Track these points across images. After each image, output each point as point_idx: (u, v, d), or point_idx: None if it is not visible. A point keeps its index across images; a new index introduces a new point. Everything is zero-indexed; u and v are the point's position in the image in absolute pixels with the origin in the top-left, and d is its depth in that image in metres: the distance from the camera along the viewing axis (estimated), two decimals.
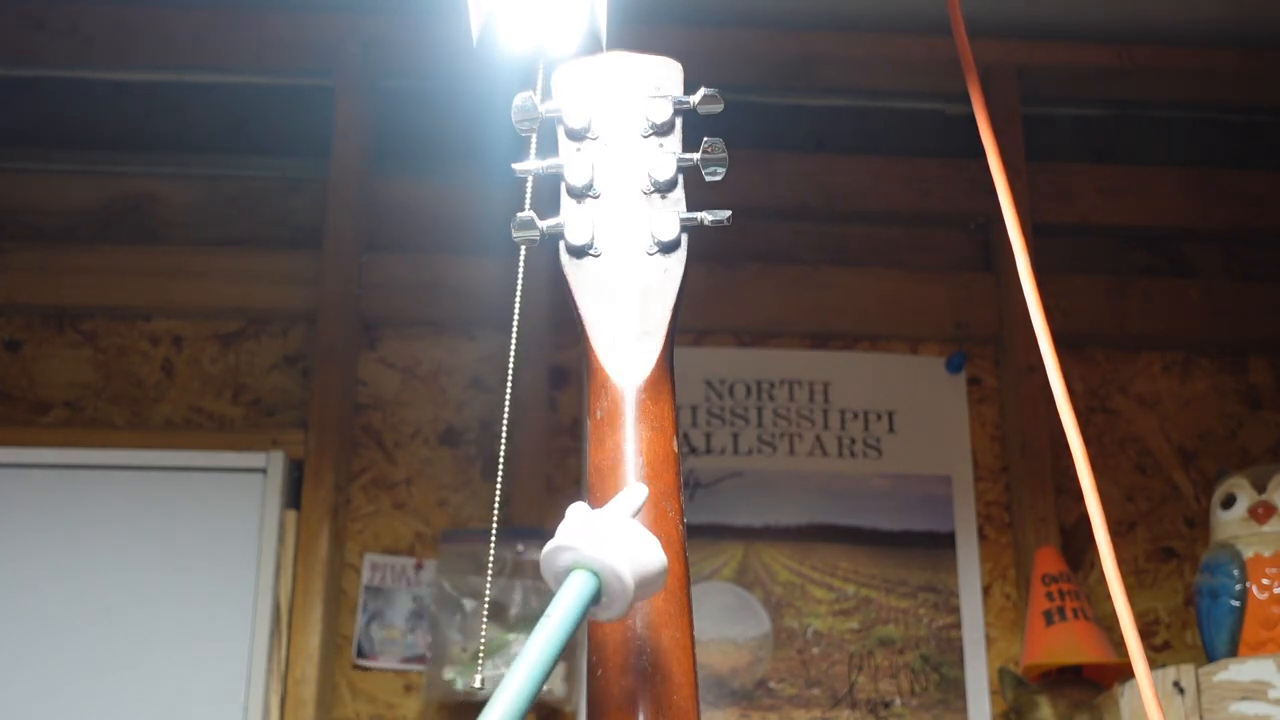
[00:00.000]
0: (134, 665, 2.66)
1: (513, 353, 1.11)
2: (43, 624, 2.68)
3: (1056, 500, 2.87)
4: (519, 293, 1.11)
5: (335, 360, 2.86)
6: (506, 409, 1.08)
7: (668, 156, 1.01)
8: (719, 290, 3.01)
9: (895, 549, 2.91)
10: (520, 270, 1.11)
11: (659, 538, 0.89)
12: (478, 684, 1.07)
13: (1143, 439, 3.05)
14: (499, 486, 0.95)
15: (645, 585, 0.81)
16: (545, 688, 2.61)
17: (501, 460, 1.04)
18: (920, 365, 3.06)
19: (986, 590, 2.90)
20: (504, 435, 1.04)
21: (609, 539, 0.80)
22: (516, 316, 1.10)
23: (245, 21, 3.06)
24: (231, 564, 2.72)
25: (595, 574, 0.80)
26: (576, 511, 0.84)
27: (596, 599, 0.80)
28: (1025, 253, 1.20)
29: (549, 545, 0.81)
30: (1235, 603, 2.44)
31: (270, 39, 3.07)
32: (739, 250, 3.05)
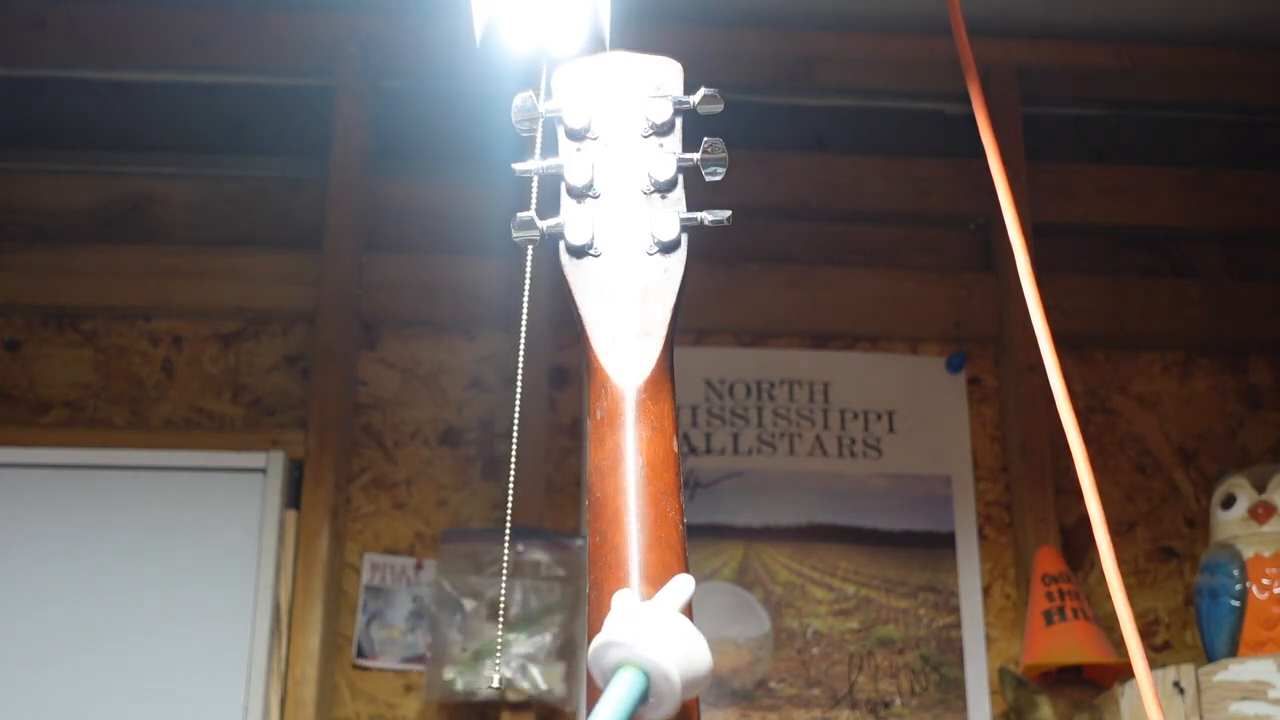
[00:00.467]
0: (134, 665, 2.66)
1: (521, 351, 1.11)
2: (42, 624, 2.68)
3: (1056, 500, 2.87)
4: (526, 292, 1.11)
5: (335, 360, 2.86)
6: (517, 408, 1.08)
7: (668, 156, 1.01)
8: (719, 290, 3.01)
9: (895, 549, 2.91)
10: (528, 270, 1.11)
11: (659, 538, 0.89)
12: (496, 684, 1.07)
13: (1143, 439, 3.05)
14: (511, 485, 0.95)
15: (692, 686, 0.78)
16: (545, 687, 2.62)
17: (514, 460, 1.04)
18: (920, 365, 3.06)
19: (986, 590, 2.90)
20: (515, 434, 1.03)
21: (660, 637, 0.78)
22: (525, 315, 1.11)
23: (245, 21, 3.06)
24: (231, 564, 2.72)
25: (644, 673, 0.77)
26: (623, 601, 0.82)
27: (644, 698, 0.77)
28: (1025, 253, 1.20)
29: (598, 640, 0.78)
30: (1235, 603, 2.44)
31: (270, 39, 3.07)
32: (739, 250, 3.05)
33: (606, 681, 0.77)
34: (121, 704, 2.64)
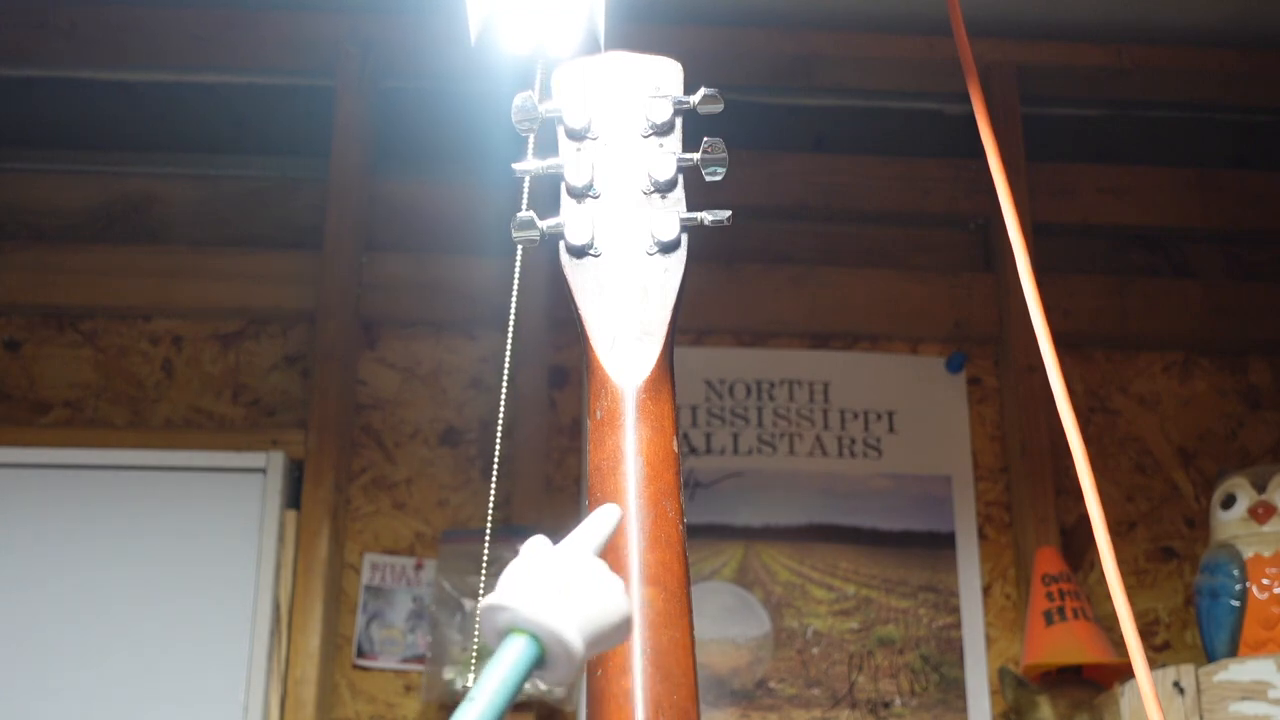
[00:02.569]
0: (134, 665, 2.66)
1: (509, 352, 1.12)
2: (43, 624, 2.68)
3: (1056, 500, 2.87)
4: (515, 293, 1.11)
5: (335, 360, 2.86)
6: (502, 409, 1.08)
7: (668, 156, 1.01)
8: (719, 290, 3.01)
9: (895, 549, 2.91)
10: (517, 271, 1.11)
11: (659, 538, 0.89)
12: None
13: (1143, 439, 3.05)
14: (494, 484, 0.95)
15: (600, 642, 0.69)
16: (545, 687, 2.62)
17: (497, 460, 1.04)
18: (920, 365, 3.06)
19: (986, 590, 2.90)
20: (499, 435, 1.04)
21: (553, 595, 0.68)
22: (513, 316, 1.11)
23: (245, 21, 3.06)
24: (231, 564, 2.72)
25: (536, 638, 0.68)
26: (531, 549, 0.72)
27: (540, 662, 0.69)
28: (1025, 253, 1.20)
29: (487, 600, 0.69)
30: (1235, 603, 2.44)
31: (270, 39, 3.07)
32: (739, 250, 3.05)
33: (499, 644, 0.69)
34: (121, 704, 2.64)
